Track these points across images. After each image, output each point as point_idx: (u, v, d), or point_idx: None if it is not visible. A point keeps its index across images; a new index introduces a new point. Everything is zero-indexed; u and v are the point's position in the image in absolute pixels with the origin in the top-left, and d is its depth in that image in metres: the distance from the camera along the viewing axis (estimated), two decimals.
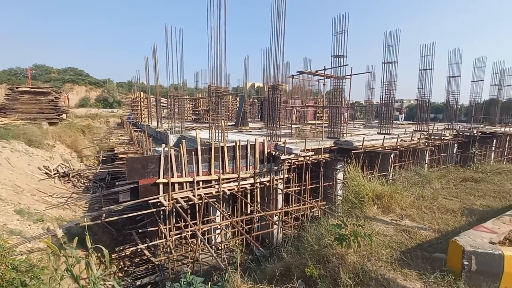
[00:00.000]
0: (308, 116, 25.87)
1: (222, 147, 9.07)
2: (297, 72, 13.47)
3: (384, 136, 12.77)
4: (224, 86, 12.24)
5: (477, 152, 16.26)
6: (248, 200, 9.94)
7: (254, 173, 9.73)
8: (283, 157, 9.36)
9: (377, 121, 19.37)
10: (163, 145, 8.08)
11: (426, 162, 15.03)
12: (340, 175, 12.28)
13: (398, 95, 16.60)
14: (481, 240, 2.84)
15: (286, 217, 11.37)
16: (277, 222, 9.92)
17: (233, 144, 9.36)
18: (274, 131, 10.93)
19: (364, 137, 11.70)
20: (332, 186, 11.74)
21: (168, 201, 8.07)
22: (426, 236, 3.64)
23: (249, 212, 10.06)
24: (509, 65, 22.08)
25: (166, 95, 14.14)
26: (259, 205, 10.12)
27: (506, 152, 19.23)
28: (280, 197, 10.41)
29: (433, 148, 14.67)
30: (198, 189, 8.69)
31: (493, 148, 18.59)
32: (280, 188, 10.34)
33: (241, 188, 9.53)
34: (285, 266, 3.46)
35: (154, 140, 15.39)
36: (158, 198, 7.99)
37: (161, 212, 8.28)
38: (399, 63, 14.74)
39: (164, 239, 8.08)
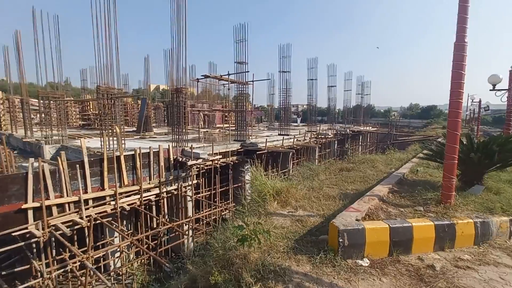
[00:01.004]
0: (217, 120, 26.17)
1: (118, 157, 7.94)
2: (202, 75, 13.39)
3: (283, 137, 14.30)
4: (119, 87, 10.77)
5: (349, 147, 20.53)
6: (154, 213, 9.09)
7: (159, 183, 8.97)
8: (190, 162, 9.04)
9: (278, 123, 21.54)
10: (31, 160, 6.36)
11: (316, 157, 17.85)
12: (247, 176, 12.92)
13: (296, 100, 19.11)
14: (350, 219, 3.55)
15: (198, 224, 11.05)
16: (187, 232, 9.48)
17: (132, 152, 8.35)
18: (180, 136, 10.43)
19: (266, 139, 12.72)
20: (241, 187, 12.21)
21: (43, 229, 6.39)
22: (314, 222, 4.25)
23: (155, 226, 9.19)
24: (367, 79, 28.88)
25: (38, 96, 11.24)
26: (167, 217, 9.41)
27: (368, 145, 25.10)
28: (190, 205, 10.00)
29: (320, 146, 17.46)
30: (87, 209, 7.27)
31: (360, 143, 23.92)
32: (189, 195, 9.94)
33: (145, 200, 8.60)
34: (191, 279, 3.30)
35: (21, 154, 11.97)
36: (26, 228, 6.22)
37: (34, 245, 6.48)
38: (295, 72, 16.91)
39: (41, 278, 6.34)
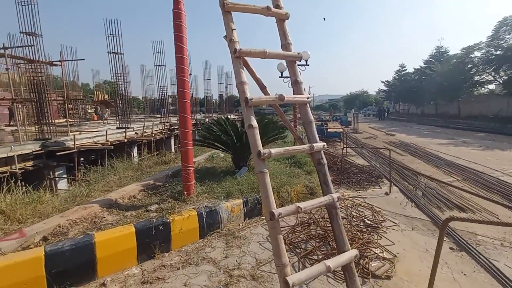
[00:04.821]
0: (53, 113, 19.98)
1: None
2: None
3: (125, 131, 12.09)
4: None
5: None
6: None
7: None
8: None
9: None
10: None
11: (172, 150, 16.55)
12: (62, 184, 10.01)
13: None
14: None
15: None
16: None
17: None
18: None
19: (74, 135, 10.17)
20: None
21: None
22: None
23: None
24: (227, 69, 29.81)
25: None
26: None
27: None
28: None
29: (172, 137, 16.20)
30: None
31: None
32: None
33: None
34: None
35: None
36: None
37: None
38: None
39: None
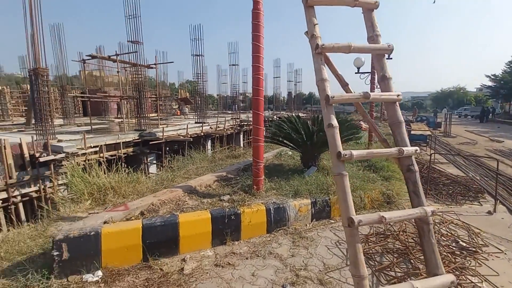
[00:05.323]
0: (148, 108, 23.92)
1: None
2: (87, 55, 11.51)
3: (202, 125, 13.48)
4: None
5: None
6: (2, 221, 7.47)
7: (6, 184, 7.34)
8: (44, 158, 7.58)
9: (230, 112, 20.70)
10: None
11: (241, 144, 17.51)
12: (152, 169, 11.83)
13: None
14: (95, 221, 2.89)
15: None
16: None
17: None
18: (45, 128, 8.75)
19: (163, 128, 11.73)
20: None
21: None
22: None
23: None
24: (298, 66, 29.50)
25: None
26: (24, 223, 7.85)
27: None
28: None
29: (238, 132, 17.08)
30: None
31: None
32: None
33: None
34: None
35: None
36: None
37: None
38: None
39: None
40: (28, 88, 20.97)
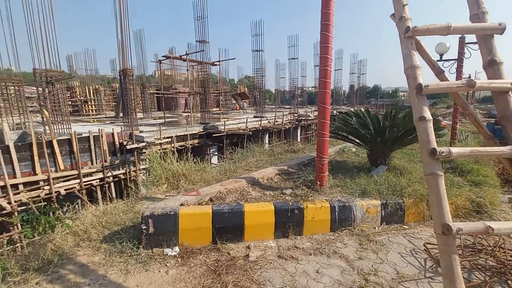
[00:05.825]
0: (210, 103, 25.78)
1: (50, 141, 7.84)
2: (162, 56, 12.90)
3: (261, 119, 13.84)
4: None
5: None
6: (99, 197, 9.10)
7: (102, 167, 8.90)
8: (130, 146, 8.86)
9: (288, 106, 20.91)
10: None
11: (298, 139, 17.29)
12: (214, 160, 12.70)
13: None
14: (173, 203, 3.21)
15: None
16: None
17: (68, 137, 8.24)
18: (129, 120, 10.22)
19: (225, 121, 12.32)
20: None
21: None
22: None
23: None
24: (361, 57, 27.30)
25: None
26: (115, 200, 9.41)
27: None
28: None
29: (294, 127, 16.81)
30: (17, 193, 7.31)
31: None
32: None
33: (86, 185, 8.58)
34: None
35: None
36: None
37: None
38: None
39: None
40: (117, 87, 24.83)
